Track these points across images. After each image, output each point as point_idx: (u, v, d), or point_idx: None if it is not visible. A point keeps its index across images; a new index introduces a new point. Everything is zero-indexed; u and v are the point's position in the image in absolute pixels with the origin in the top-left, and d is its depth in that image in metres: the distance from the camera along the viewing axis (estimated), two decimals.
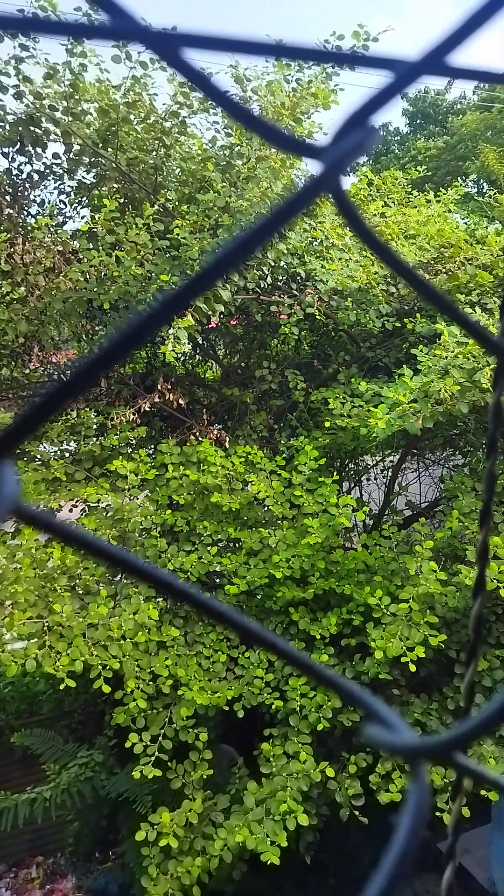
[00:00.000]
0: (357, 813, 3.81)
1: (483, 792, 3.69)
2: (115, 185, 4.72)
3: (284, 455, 4.63)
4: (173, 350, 3.87)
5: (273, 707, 3.89)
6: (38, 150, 4.60)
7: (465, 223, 6.00)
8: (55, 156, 4.75)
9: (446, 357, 3.85)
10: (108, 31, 0.25)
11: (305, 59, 0.26)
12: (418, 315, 4.56)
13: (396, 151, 20.08)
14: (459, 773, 0.51)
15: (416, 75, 0.24)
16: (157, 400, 4.48)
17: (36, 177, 4.93)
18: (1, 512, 0.22)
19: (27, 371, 5.34)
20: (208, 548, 4.24)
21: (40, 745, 5.27)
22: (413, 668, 3.69)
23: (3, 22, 0.27)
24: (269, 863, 3.38)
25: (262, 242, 0.24)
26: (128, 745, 3.74)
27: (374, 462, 6.33)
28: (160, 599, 4.25)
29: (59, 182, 5.13)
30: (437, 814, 3.54)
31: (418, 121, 20.91)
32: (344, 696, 0.32)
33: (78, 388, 0.24)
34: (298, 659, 0.34)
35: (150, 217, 4.18)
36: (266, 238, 0.24)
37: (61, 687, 3.62)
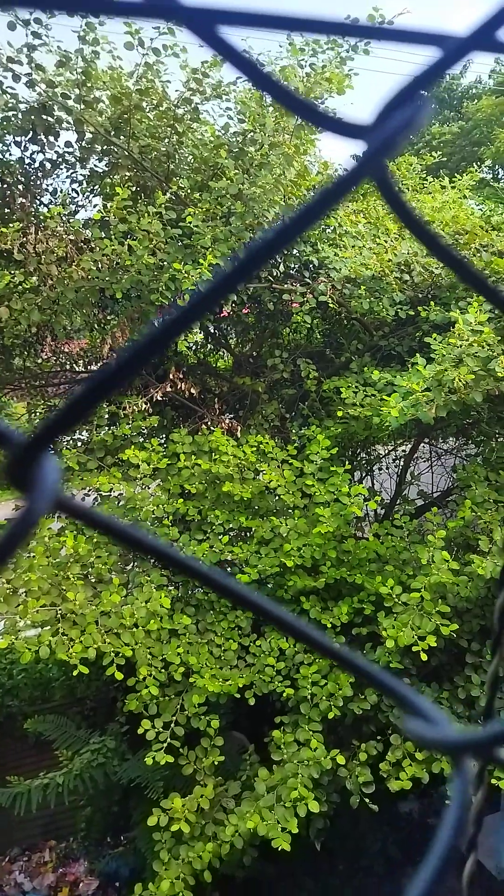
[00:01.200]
0: (367, 800, 3.83)
1: (493, 780, 3.70)
2: (128, 174, 4.70)
3: (296, 444, 4.62)
4: (185, 339, 3.86)
5: (284, 695, 3.91)
6: (51, 138, 4.58)
7: (481, 209, 5.93)
8: (67, 144, 4.73)
9: (460, 345, 3.81)
10: (144, 8, 0.25)
11: (346, 34, 0.25)
12: (432, 303, 4.52)
13: (411, 137, 19.86)
14: (483, 766, 0.51)
15: (466, 51, 0.24)
16: (168, 389, 4.48)
17: (48, 165, 4.91)
18: (45, 505, 0.22)
19: (39, 360, 5.35)
20: (220, 537, 4.25)
21: (53, 731, 5.32)
22: (424, 657, 3.69)
23: (52, 2, 0.27)
24: (279, 849, 3.41)
25: (306, 228, 0.24)
26: (140, 731, 3.77)
27: (387, 451, 6.31)
28: (172, 588, 4.28)
29: (71, 171, 5.11)
30: (448, 802, 3.54)
31: (433, 106, 20.64)
32: (383, 689, 0.32)
33: (119, 380, 0.24)
34: (323, 644, 0.34)
35: (163, 205, 4.16)
36: (310, 224, 0.24)
37: (74, 674, 3.65)
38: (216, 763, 3.90)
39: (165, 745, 3.71)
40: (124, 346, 4.36)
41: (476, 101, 18.26)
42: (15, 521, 0.22)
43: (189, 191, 4.56)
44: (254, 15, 0.24)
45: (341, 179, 0.24)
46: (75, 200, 5.36)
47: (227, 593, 0.31)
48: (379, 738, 4.06)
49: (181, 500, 4.27)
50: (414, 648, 3.71)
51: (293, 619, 0.34)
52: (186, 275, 4.01)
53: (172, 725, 3.79)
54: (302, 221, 0.24)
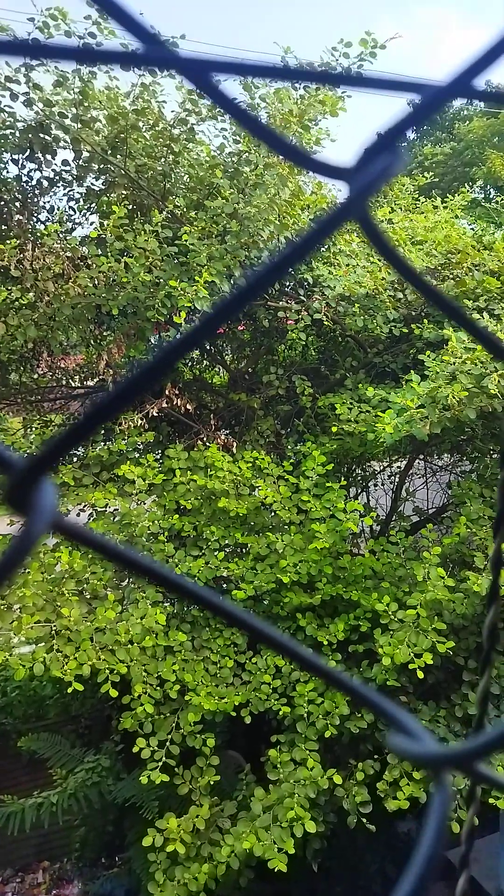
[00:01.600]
0: (364, 820, 3.79)
1: (491, 800, 3.67)
2: (124, 192, 4.75)
3: (292, 460, 4.63)
4: None
5: (280, 713, 3.88)
6: (48, 156, 4.63)
7: (473, 229, 6.00)
8: (64, 163, 4.79)
9: (454, 363, 3.85)
10: (141, 58, 0.26)
11: (332, 83, 0.27)
12: (426, 321, 4.56)
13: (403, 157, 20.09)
14: (474, 782, 0.52)
15: (444, 99, 0.25)
16: (164, 405, 4.49)
17: (45, 183, 4.97)
18: (42, 526, 0.23)
19: (35, 376, 5.36)
20: (215, 553, 4.24)
21: (47, 749, 5.27)
22: (421, 674, 3.68)
23: (43, 51, 0.28)
24: (276, 870, 3.37)
25: (290, 267, 0.25)
26: (135, 750, 3.74)
27: (382, 468, 6.33)
28: (167, 604, 4.26)
29: (68, 189, 5.16)
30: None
31: (425, 127, 20.94)
32: (364, 703, 0.33)
33: (119, 405, 0.25)
34: (314, 664, 0.35)
35: (159, 223, 4.20)
36: (295, 263, 0.25)
37: (69, 691, 3.62)
38: (212, 782, 3.87)
39: (161, 763, 3.68)
40: (120, 362, 4.38)
41: (467, 122, 18.53)
42: (13, 543, 0.23)
43: (185, 209, 4.61)
44: (244, 66, 0.25)
45: (327, 219, 0.25)
46: (72, 218, 5.41)
47: (219, 612, 0.32)
48: (376, 757, 4.03)
49: (177, 515, 4.27)
50: (410, 666, 3.70)
51: (283, 638, 0.34)
52: (182, 292, 4.04)
53: (168, 744, 3.76)
54: (291, 257, 0.25)
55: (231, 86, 4.68)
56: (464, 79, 0.24)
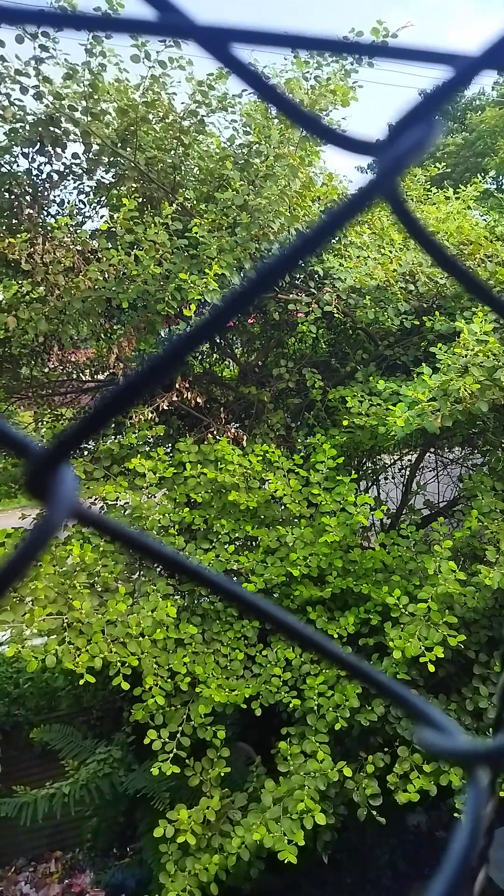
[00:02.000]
0: (375, 813, 3.80)
1: (502, 794, 3.66)
2: (134, 185, 4.73)
3: (302, 453, 4.62)
4: None
5: (290, 705, 3.89)
6: (58, 150, 4.62)
7: (485, 220, 5.95)
8: (74, 156, 4.78)
9: (465, 355, 3.82)
10: (160, 27, 0.25)
11: (354, 52, 0.26)
12: (437, 313, 4.53)
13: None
14: (494, 776, 0.51)
15: (478, 70, 0.24)
16: (175, 398, 4.49)
17: (56, 177, 4.96)
18: (63, 514, 0.23)
19: (46, 370, 5.37)
20: (226, 546, 4.24)
21: (59, 740, 5.31)
22: (432, 668, 3.67)
23: (63, 20, 0.27)
24: (286, 861, 3.38)
25: (318, 247, 0.24)
26: (146, 741, 3.76)
27: (392, 461, 6.30)
28: (178, 597, 4.27)
29: (78, 182, 5.15)
30: (457, 815, 3.52)
31: (436, 117, 20.75)
32: (394, 698, 0.32)
33: (136, 393, 0.24)
34: (341, 656, 0.34)
35: (169, 216, 4.19)
36: (323, 242, 0.24)
37: (80, 683, 3.65)
38: (222, 774, 3.88)
39: (171, 755, 3.70)
40: (131, 356, 4.38)
41: (480, 112, 18.34)
42: (35, 530, 0.22)
43: (195, 202, 4.59)
44: (265, 34, 0.24)
45: (355, 197, 0.24)
46: (82, 211, 5.40)
47: (235, 600, 0.32)
48: (386, 749, 4.03)
49: (187, 509, 4.28)
50: (421, 659, 3.69)
51: (302, 627, 0.34)
52: (192, 284, 4.03)
53: (179, 736, 3.77)
54: (317, 238, 0.24)
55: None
56: (499, 48, 0.23)
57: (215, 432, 4.69)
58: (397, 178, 0.25)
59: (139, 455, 4.37)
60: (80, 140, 4.54)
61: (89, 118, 4.36)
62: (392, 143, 0.25)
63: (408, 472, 5.93)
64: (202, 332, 0.26)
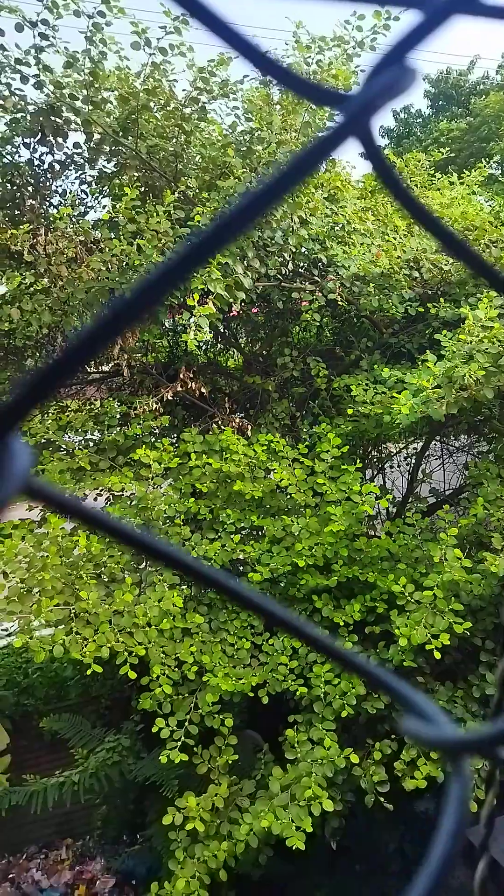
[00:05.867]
0: (382, 799, 3.81)
1: None
2: (136, 174, 4.71)
3: (307, 443, 4.61)
4: (195, 339, 3.87)
5: (297, 693, 3.90)
6: (59, 139, 4.60)
7: (490, 205, 5.89)
8: (76, 145, 4.75)
9: (471, 342, 3.79)
10: None
11: None
12: (442, 300, 4.50)
13: (419, 134, 19.77)
14: (494, 766, 0.50)
15: (447, 14, 0.23)
16: (179, 389, 4.48)
17: (57, 167, 4.94)
18: (11, 488, 0.22)
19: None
20: (231, 536, 4.25)
21: (68, 729, 5.35)
22: (438, 655, 3.67)
23: None
24: (294, 848, 3.40)
25: (284, 192, 0.23)
26: (154, 729, 3.78)
27: (398, 449, 6.28)
28: (184, 587, 4.28)
29: (80, 172, 5.13)
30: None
31: (440, 102, 20.53)
32: (378, 685, 0.32)
33: (86, 352, 0.24)
34: (328, 646, 0.34)
35: (171, 205, 4.16)
36: (289, 187, 0.23)
37: (88, 673, 3.67)
38: (230, 762, 3.90)
39: (180, 743, 3.72)
40: (135, 346, 4.37)
41: (484, 97, 18.12)
42: None
43: (197, 190, 4.57)
44: None
45: (322, 139, 0.23)
46: (84, 201, 5.38)
47: (230, 594, 0.31)
48: (393, 736, 4.04)
49: (192, 499, 4.28)
50: (427, 647, 3.69)
51: (296, 619, 0.33)
52: (195, 273, 4.01)
53: (186, 724, 3.79)
54: (282, 184, 0.23)
55: (242, 62, 4.61)
56: None
57: (220, 422, 4.68)
58: (370, 119, 0.24)
59: (144, 446, 4.37)
60: (82, 129, 4.51)
61: (90, 107, 4.34)
62: (365, 87, 0.24)
63: (413, 461, 5.91)
64: (170, 274, 0.25)
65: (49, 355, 5.19)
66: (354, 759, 3.72)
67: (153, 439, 4.67)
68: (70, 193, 5.28)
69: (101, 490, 4.51)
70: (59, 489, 0.25)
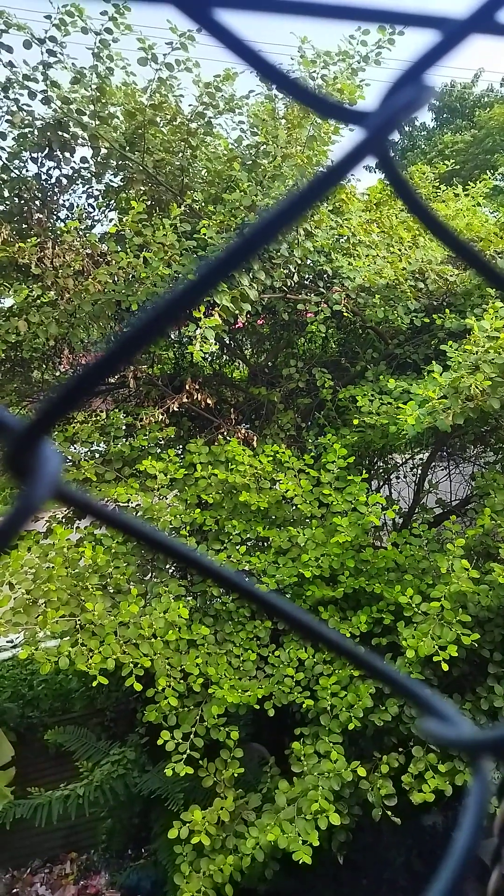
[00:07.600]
0: (390, 813, 3.77)
1: None
2: (143, 188, 4.75)
3: (312, 454, 4.61)
4: (201, 350, 3.88)
5: (304, 706, 3.87)
6: (67, 154, 4.65)
7: (495, 216, 5.91)
8: (83, 160, 4.80)
9: (476, 352, 3.79)
10: None
11: (344, 17, 0.25)
12: (447, 311, 4.50)
13: (423, 146, 19.88)
14: None
15: (465, 34, 0.24)
16: (185, 400, 4.49)
17: (64, 181, 4.99)
18: (44, 492, 0.22)
19: (58, 373, 5.40)
20: (237, 547, 4.24)
21: (73, 742, 5.33)
22: (445, 667, 3.64)
23: None
24: (301, 862, 3.37)
25: (305, 210, 0.24)
26: (159, 742, 3.76)
27: (404, 460, 6.27)
28: (190, 598, 4.27)
29: (87, 186, 5.18)
30: None
31: (445, 115, 20.67)
32: (398, 689, 0.31)
33: (116, 362, 0.24)
34: (348, 649, 0.34)
35: (177, 218, 4.19)
36: (309, 206, 0.24)
37: (93, 684, 3.66)
38: (236, 775, 3.87)
39: (185, 756, 3.69)
40: (141, 359, 4.39)
41: (488, 109, 18.24)
42: (14, 508, 0.22)
43: (203, 203, 4.60)
44: None
45: (346, 156, 0.24)
46: (91, 215, 5.43)
47: (237, 589, 0.31)
48: (401, 749, 4.00)
49: (198, 510, 4.28)
50: (435, 658, 3.66)
51: (313, 623, 0.33)
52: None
53: (192, 737, 3.77)
54: (303, 202, 0.24)
55: (249, 77, 4.65)
56: (485, 11, 0.23)
57: (226, 433, 4.69)
58: (388, 137, 0.24)
59: (150, 457, 4.38)
60: (89, 144, 4.56)
61: (97, 122, 4.38)
62: (382, 106, 0.24)
63: (419, 471, 5.90)
64: (185, 297, 0.25)
65: (76, 367, 5.22)
66: (361, 772, 3.68)
67: (159, 450, 4.68)
68: (77, 207, 5.33)
69: (107, 501, 4.51)
70: (87, 494, 0.25)
